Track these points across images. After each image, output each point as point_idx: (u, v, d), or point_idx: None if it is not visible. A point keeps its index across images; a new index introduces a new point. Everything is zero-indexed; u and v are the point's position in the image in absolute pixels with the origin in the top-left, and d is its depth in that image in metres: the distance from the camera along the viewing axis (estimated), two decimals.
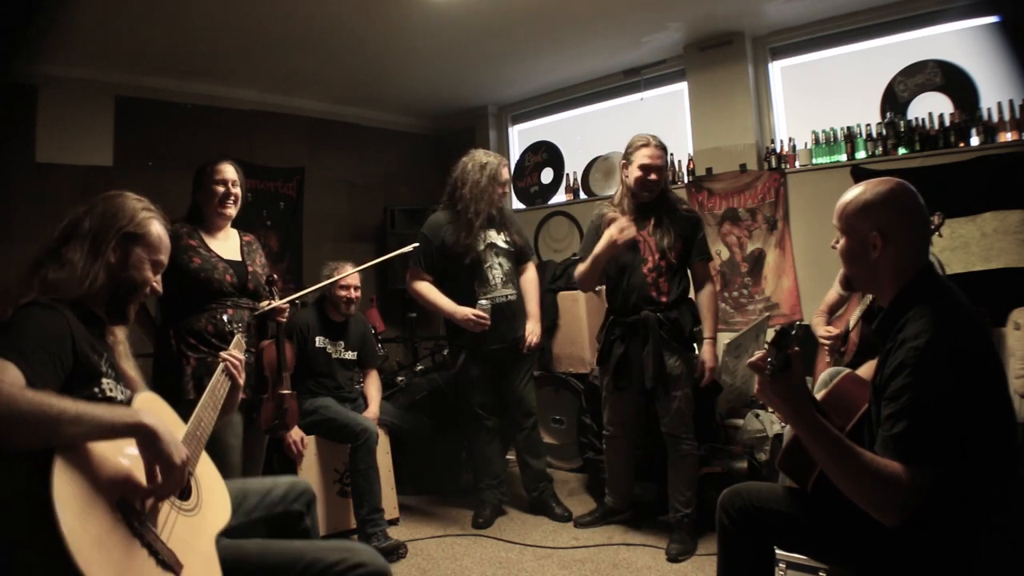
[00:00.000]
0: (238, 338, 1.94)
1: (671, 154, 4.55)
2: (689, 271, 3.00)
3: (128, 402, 1.40)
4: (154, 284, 1.56)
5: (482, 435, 3.37)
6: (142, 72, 4.13)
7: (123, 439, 1.21)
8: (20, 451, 1.10)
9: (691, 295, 3.01)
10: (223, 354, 1.80)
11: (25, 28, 3.12)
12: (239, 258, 2.56)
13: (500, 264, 3.25)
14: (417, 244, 3.16)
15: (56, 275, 1.40)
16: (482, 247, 3.22)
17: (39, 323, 1.29)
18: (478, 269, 3.21)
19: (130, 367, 1.55)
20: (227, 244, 2.56)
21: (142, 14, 3.36)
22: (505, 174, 3.28)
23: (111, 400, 1.37)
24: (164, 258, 1.58)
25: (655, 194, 2.91)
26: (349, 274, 3.21)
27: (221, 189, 2.48)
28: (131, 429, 1.20)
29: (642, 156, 2.87)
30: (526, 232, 3.60)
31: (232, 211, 2.54)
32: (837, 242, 1.59)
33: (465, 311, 3.15)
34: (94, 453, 1.18)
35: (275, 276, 2.65)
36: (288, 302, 2.62)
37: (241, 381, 1.81)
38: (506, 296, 3.24)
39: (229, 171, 2.52)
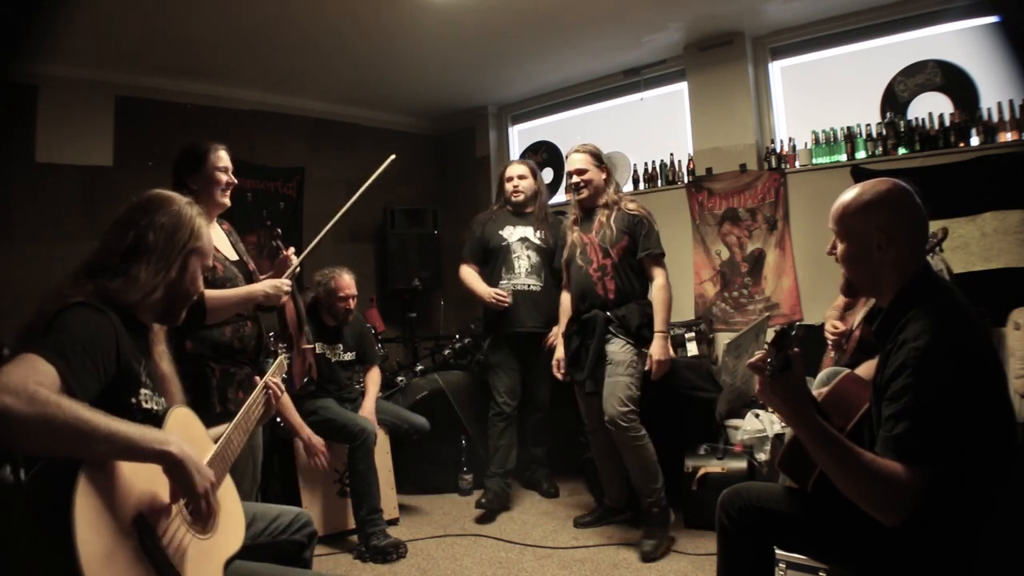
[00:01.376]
0: (281, 359, 1.89)
1: (671, 154, 4.59)
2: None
3: (163, 414, 1.39)
4: (202, 290, 1.56)
5: (497, 422, 3.54)
6: (142, 72, 4.13)
7: (150, 463, 1.21)
8: (48, 456, 1.11)
9: (650, 295, 3.03)
10: (269, 379, 1.78)
11: (25, 28, 3.12)
12: (236, 256, 2.41)
13: (529, 256, 3.54)
14: (393, 157, 3.10)
15: (117, 287, 1.37)
16: (515, 239, 3.56)
17: (87, 326, 1.25)
18: (507, 257, 3.55)
19: (166, 366, 1.54)
20: (222, 241, 2.39)
21: (142, 14, 3.36)
22: (509, 171, 3.65)
23: (147, 412, 1.36)
24: (211, 263, 1.57)
25: (587, 197, 3.07)
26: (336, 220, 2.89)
27: (224, 177, 2.31)
28: (158, 456, 1.19)
29: (567, 169, 3.13)
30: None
31: (228, 201, 2.36)
32: (834, 248, 1.56)
33: (489, 290, 3.50)
34: (122, 467, 1.18)
35: (279, 231, 2.50)
36: (307, 253, 2.51)
37: (274, 408, 1.81)
38: (528, 285, 3.52)
39: (227, 157, 2.34)
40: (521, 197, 3.57)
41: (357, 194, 2.86)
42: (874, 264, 1.49)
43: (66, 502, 1.05)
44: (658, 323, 2.90)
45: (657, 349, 2.87)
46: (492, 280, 3.57)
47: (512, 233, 3.57)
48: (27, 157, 3.82)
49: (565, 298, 3.20)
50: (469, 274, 3.63)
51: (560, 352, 3.14)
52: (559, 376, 3.16)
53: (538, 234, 3.57)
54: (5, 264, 3.63)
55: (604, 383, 2.91)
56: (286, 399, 3.02)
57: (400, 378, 4.06)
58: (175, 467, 1.21)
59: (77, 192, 3.98)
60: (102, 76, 4.04)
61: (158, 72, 4.16)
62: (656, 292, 2.95)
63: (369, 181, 2.91)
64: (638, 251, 2.98)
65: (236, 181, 2.39)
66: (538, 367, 3.53)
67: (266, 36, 3.81)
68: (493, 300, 3.47)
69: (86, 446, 1.09)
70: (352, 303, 3.32)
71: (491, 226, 3.62)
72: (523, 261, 3.54)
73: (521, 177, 3.59)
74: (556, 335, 3.39)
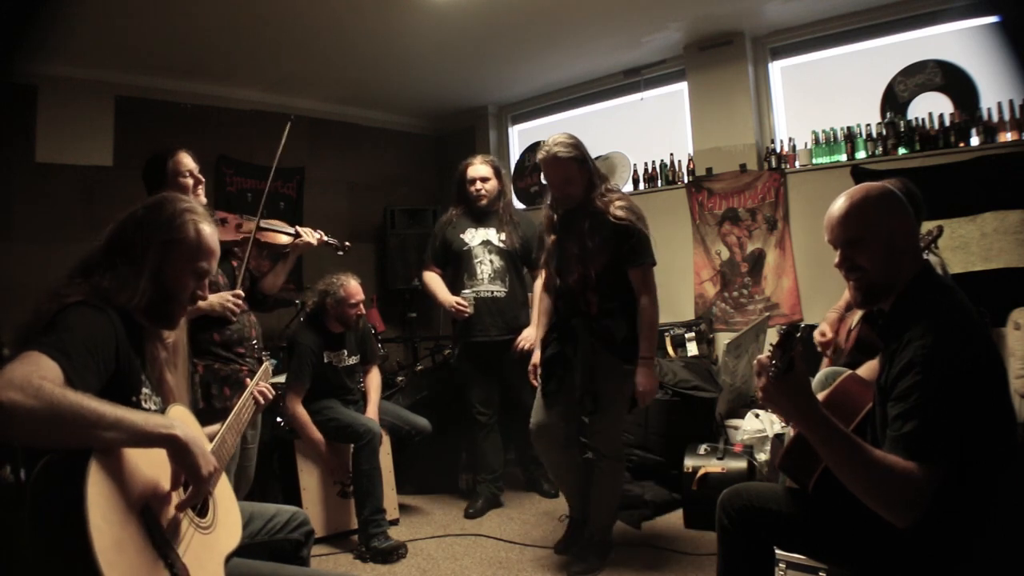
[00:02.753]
0: (266, 366, 1.91)
1: (671, 154, 4.59)
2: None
3: (161, 412, 1.40)
4: (197, 292, 1.49)
5: (477, 430, 3.49)
6: (142, 72, 4.13)
7: (156, 448, 1.22)
8: (57, 448, 1.11)
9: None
10: (262, 384, 1.79)
11: (25, 28, 3.12)
12: None
13: (491, 261, 3.39)
14: (293, 117, 3.00)
15: (108, 283, 1.36)
16: (477, 243, 3.39)
17: (87, 324, 1.26)
18: (469, 263, 3.39)
19: (174, 375, 1.52)
20: None
21: (142, 14, 3.37)
22: (471, 172, 3.40)
23: (146, 412, 1.36)
24: (206, 264, 1.48)
25: (571, 203, 2.65)
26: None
27: (190, 181, 2.33)
28: (164, 440, 1.21)
29: (544, 172, 2.68)
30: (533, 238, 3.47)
31: (202, 199, 2.38)
32: (843, 261, 1.49)
33: (450, 299, 3.37)
34: (128, 458, 1.19)
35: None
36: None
37: (262, 410, 1.82)
38: (491, 292, 3.37)
39: (189, 160, 2.36)
40: (484, 201, 3.37)
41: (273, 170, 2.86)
42: (897, 259, 1.46)
43: (78, 490, 1.06)
44: (643, 348, 2.55)
45: (642, 378, 2.53)
46: (455, 286, 3.41)
47: (473, 237, 3.39)
48: (27, 157, 3.83)
49: (545, 298, 2.87)
50: (432, 280, 3.48)
51: (537, 357, 2.83)
52: (534, 383, 2.82)
53: (501, 236, 3.37)
54: (5, 264, 3.63)
55: (593, 415, 2.65)
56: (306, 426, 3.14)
57: (400, 378, 4.06)
58: (181, 451, 1.22)
59: (77, 192, 3.98)
60: (102, 76, 4.04)
61: (158, 72, 4.16)
62: (641, 315, 2.57)
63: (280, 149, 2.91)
64: (622, 263, 2.58)
65: (203, 179, 2.42)
66: (512, 373, 3.37)
67: (266, 36, 3.81)
68: (454, 309, 3.34)
69: (94, 434, 1.10)
70: (362, 308, 3.30)
71: (451, 230, 3.44)
72: (485, 266, 3.37)
73: (484, 180, 3.38)
74: (526, 339, 3.21)
